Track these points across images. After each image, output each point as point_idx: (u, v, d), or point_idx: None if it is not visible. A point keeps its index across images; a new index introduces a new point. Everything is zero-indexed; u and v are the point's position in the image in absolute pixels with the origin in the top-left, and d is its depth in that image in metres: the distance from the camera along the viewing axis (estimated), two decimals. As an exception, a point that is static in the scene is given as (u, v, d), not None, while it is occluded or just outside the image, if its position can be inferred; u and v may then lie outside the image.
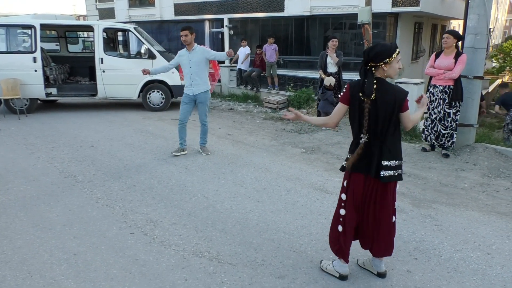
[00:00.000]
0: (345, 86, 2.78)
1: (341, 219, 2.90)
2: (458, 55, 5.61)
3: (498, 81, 24.90)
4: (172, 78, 9.57)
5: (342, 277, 3.00)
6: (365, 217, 2.89)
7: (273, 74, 11.14)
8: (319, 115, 8.23)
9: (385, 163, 2.72)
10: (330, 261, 3.11)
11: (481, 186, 4.95)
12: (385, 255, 2.99)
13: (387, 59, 2.64)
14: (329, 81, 7.19)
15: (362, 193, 2.83)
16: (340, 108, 2.81)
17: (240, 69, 11.95)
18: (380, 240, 2.91)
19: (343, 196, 2.90)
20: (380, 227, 2.88)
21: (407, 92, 2.76)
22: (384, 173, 2.72)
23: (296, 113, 2.95)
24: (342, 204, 2.90)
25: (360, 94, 2.67)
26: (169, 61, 9.61)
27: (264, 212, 4.17)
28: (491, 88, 20.20)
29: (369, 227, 2.90)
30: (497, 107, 8.62)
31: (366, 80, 2.66)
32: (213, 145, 6.78)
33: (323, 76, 7.82)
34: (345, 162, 2.86)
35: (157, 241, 3.61)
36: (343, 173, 2.95)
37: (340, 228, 2.91)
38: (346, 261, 2.97)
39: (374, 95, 2.63)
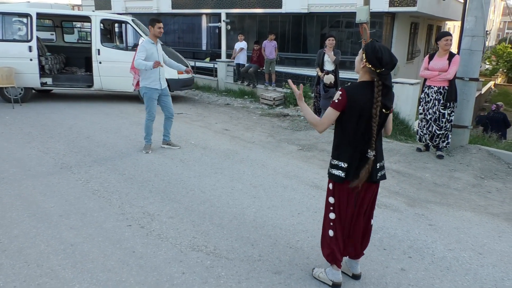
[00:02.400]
0: (340, 93, 2.58)
1: (331, 224, 2.82)
2: (451, 56, 5.67)
3: (491, 83, 25.15)
4: (169, 72, 9.53)
5: (335, 285, 2.90)
6: (356, 222, 2.82)
7: (271, 70, 11.13)
8: (317, 111, 8.27)
9: (379, 164, 2.74)
10: (323, 269, 3.01)
11: (474, 187, 5.02)
12: (358, 257, 3.00)
13: None
14: (329, 79, 7.22)
15: (354, 197, 2.74)
16: (333, 114, 2.62)
17: (238, 64, 11.94)
18: (366, 241, 2.96)
19: (331, 200, 2.79)
20: (368, 228, 2.92)
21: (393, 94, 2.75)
22: (380, 173, 2.75)
23: (300, 94, 2.75)
24: (331, 208, 2.80)
25: (379, 104, 2.52)
26: (167, 55, 9.61)
27: (261, 208, 4.20)
28: (483, 90, 20.40)
29: (358, 231, 2.85)
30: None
31: (388, 88, 2.57)
32: (210, 140, 6.79)
33: (320, 73, 7.86)
34: (334, 170, 2.70)
35: (154, 234, 3.63)
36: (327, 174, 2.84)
37: (331, 232, 2.84)
38: (339, 266, 2.89)
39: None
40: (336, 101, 2.59)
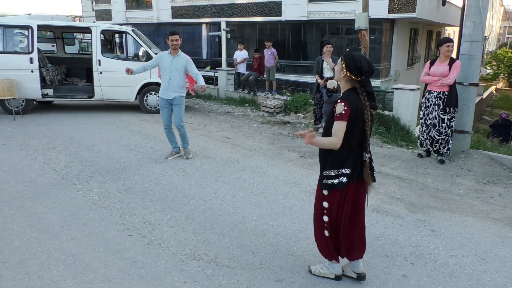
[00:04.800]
0: (343, 104, 2.66)
1: (325, 225, 2.93)
2: (452, 61, 5.68)
3: (493, 88, 25.17)
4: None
5: (338, 277, 3.06)
6: (345, 222, 2.89)
7: (271, 78, 11.11)
8: (317, 118, 8.28)
9: (373, 165, 2.93)
10: (321, 264, 3.14)
11: (475, 192, 5.00)
12: (360, 257, 3.03)
13: None
14: (332, 84, 7.25)
15: (352, 197, 2.86)
16: (344, 127, 2.67)
17: (238, 73, 11.97)
18: (357, 242, 2.98)
19: (325, 204, 2.89)
20: (359, 229, 2.97)
21: None
22: (375, 174, 2.95)
23: (311, 135, 2.68)
24: (325, 212, 2.91)
25: (369, 109, 2.74)
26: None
27: (262, 216, 4.19)
28: (485, 94, 20.41)
29: (349, 231, 2.92)
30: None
31: (370, 93, 2.74)
32: (211, 148, 6.80)
33: (320, 81, 7.88)
34: (337, 179, 2.79)
35: (155, 243, 3.63)
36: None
37: (326, 232, 2.95)
38: (337, 260, 3.04)
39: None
40: (343, 112, 2.67)
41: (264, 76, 11.32)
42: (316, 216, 3.03)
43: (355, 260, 3.05)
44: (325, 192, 2.88)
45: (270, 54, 10.88)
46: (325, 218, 2.92)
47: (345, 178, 2.77)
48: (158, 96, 9.42)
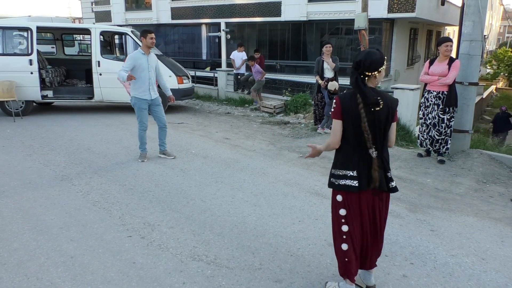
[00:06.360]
0: (334, 101, 2.61)
1: (344, 237, 2.72)
2: (451, 61, 5.67)
3: (493, 87, 25.14)
4: (169, 82, 9.56)
5: None
6: (368, 232, 2.75)
7: (256, 87, 10.92)
8: (317, 119, 8.27)
9: (389, 174, 2.70)
10: (336, 283, 2.93)
11: (476, 191, 4.99)
12: (375, 265, 2.93)
13: (381, 68, 2.56)
14: (333, 85, 7.25)
15: (367, 207, 2.69)
16: (338, 124, 2.60)
17: (237, 74, 11.97)
18: (378, 251, 2.88)
19: (342, 212, 2.69)
20: (380, 239, 2.84)
21: (397, 100, 2.71)
22: (392, 184, 2.72)
23: (313, 148, 2.82)
24: (343, 220, 2.70)
25: (366, 105, 2.51)
26: (167, 66, 9.53)
27: (262, 216, 4.18)
28: (485, 94, 20.39)
29: (371, 242, 2.79)
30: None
31: (364, 89, 2.52)
32: (211, 149, 6.79)
33: (320, 81, 7.86)
34: (343, 180, 2.64)
35: (155, 244, 3.62)
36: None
37: (344, 246, 2.73)
38: (352, 280, 2.79)
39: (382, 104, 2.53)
40: (333, 109, 2.61)
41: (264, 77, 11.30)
42: (333, 227, 2.82)
43: (368, 272, 2.94)
44: (340, 198, 2.69)
45: (256, 72, 10.76)
46: (344, 228, 2.70)
47: (354, 181, 2.60)
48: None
